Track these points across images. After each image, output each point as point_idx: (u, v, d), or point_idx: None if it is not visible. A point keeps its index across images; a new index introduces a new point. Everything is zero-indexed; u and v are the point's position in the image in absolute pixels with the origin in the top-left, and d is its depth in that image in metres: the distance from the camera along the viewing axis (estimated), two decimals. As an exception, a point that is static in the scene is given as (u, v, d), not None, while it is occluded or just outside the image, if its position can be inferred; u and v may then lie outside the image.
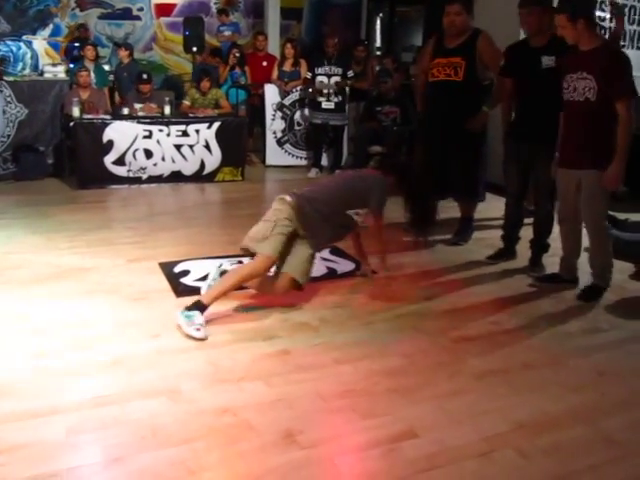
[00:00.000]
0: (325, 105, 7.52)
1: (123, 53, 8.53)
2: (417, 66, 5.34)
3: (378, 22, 13.01)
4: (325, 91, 7.41)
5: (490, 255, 4.55)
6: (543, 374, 2.99)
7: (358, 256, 4.19)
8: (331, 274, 4.18)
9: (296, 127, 8.04)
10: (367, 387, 2.81)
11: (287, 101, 7.96)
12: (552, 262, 4.28)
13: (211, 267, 3.81)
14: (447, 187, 4.96)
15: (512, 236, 4.53)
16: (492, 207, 5.63)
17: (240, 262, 3.96)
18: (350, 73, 7.53)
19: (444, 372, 2.97)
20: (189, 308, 3.25)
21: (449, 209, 5.38)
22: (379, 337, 3.31)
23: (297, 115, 8.02)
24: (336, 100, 7.48)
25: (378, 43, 12.92)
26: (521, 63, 4.19)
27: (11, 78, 7.81)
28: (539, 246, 4.37)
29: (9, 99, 6.87)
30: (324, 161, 7.90)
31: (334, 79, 7.41)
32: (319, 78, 7.48)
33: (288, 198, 3.55)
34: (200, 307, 3.25)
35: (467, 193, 5.00)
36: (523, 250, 4.53)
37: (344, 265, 4.33)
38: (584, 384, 2.92)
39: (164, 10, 11.36)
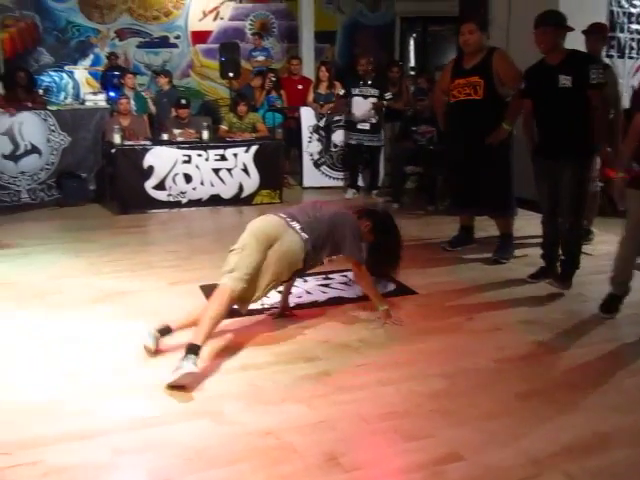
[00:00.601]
0: (360, 126, 7.56)
1: (163, 80, 8.72)
2: (436, 88, 5.44)
3: (411, 42, 13.07)
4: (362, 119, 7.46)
5: (532, 274, 4.49)
6: (589, 395, 2.92)
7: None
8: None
9: (332, 149, 8.09)
10: (409, 409, 2.78)
11: (323, 123, 8.02)
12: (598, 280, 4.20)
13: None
14: (479, 204, 4.97)
15: (552, 254, 4.46)
16: (532, 224, 5.56)
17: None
18: (388, 95, 7.55)
19: (487, 393, 2.92)
20: None
21: (488, 227, 5.34)
22: (420, 358, 3.28)
23: (333, 137, 8.08)
24: (371, 121, 7.51)
25: (412, 63, 12.97)
26: (538, 83, 4.23)
27: (54, 107, 8.06)
28: (568, 262, 4.31)
29: (53, 128, 7.07)
30: (360, 182, 7.92)
31: (370, 100, 7.44)
32: (355, 99, 7.52)
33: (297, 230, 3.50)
34: None
35: (499, 209, 4.98)
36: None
37: (383, 285, 4.31)
38: (632, 404, 2.84)
39: (200, 37, 11.61)
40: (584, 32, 5.28)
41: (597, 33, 5.32)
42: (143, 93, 8.77)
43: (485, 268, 4.81)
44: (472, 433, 2.59)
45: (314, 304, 4.01)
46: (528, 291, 4.31)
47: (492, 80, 4.68)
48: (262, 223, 3.56)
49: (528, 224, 5.52)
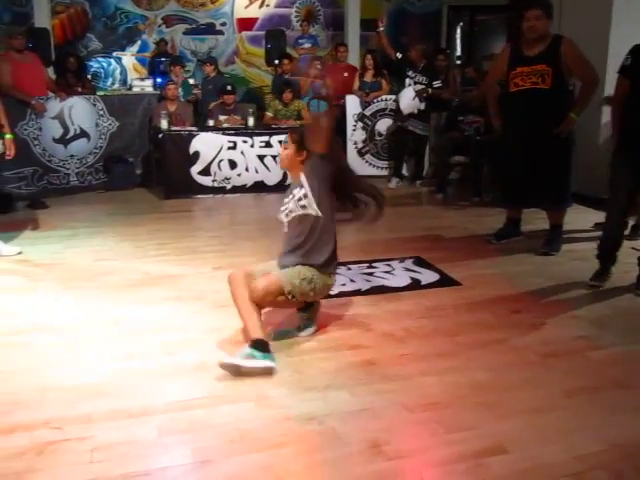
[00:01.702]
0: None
1: (209, 68, 8.75)
2: (488, 77, 5.19)
3: (458, 31, 12.90)
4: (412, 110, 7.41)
5: (592, 277, 4.20)
6: (637, 393, 2.85)
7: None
8: (415, 285, 4.15)
9: (377, 137, 8.04)
10: (453, 400, 2.76)
11: (368, 112, 7.98)
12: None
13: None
14: (536, 195, 4.84)
15: (612, 255, 4.16)
16: (581, 218, 5.46)
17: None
18: (437, 83, 7.45)
19: (532, 388, 2.88)
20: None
21: (536, 220, 5.26)
22: (464, 350, 3.25)
23: (378, 125, 8.01)
24: (419, 107, 7.44)
25: (458, 52, 12.81)
26: None
27: (102, 92, 8.19)
28: None
29: (101, 112, 7.18)
30: (405, 171, 7.86)
31: (417, 87, 7.37)
32: (400, 94, 7.47)
33: None
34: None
35: (558, 201, 4.85)
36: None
37: (428, 276, 4.30)
38: (683, 404, 2.78)
39: (246, 24, 11.62)
40: None
41: None
42: (190, 81, 8.84)
43: (531, 261, 4.74)
44: (517, 427, 2.56)
45: (357, 292, 4.01)
46: (575, 286, 4.22)
47: (560, 68, 4.51)
48: None
49: (578, 218, 5.41)
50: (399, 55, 7.60)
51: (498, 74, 4.93)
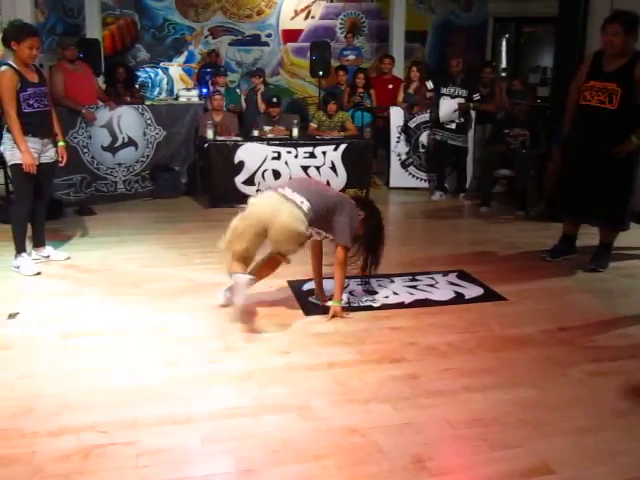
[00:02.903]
0: (447, 125, 7.46)
1: (257, 81, 8.84)
2: (573, 84, 4.91)
3: (504, 43, 12.81)
4: (450, 120, 7.38)
5: None
6: (691, 416, 2.78)
7: (316, 281, 4.09)
8: (459, 299, 4.11)
9: (420, 149, 7.99)
10: (497, 417, 2.73)
11: (412, 123, 7.95)
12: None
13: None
14: (594, 214, 4.73)
15: None
16: (629, 235, 5.32)
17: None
18: (476, 96, 7.40)
19: (580, 407, 2.83)
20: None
21: (583, 236, 5.15)
22: (509, 366, 3.20)
23: (422, 137, 7.98)
24: (458, 121, 7.40)
25: (504, 64, 12.71)
26: None
27: (149, 102, 8.34)
28: None
29: (149, 122, 7.30)
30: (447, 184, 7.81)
31: (458, 100, 7.33)
32: (442, 100, 7.43)
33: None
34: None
35: (612, 221, 4.74)
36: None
37: (472, 290, 4.25)
38: None
39: (291, 36, 11.76)
40: None
41: None
42: (237, 90, 8.94)
43: (578, 277, 4.65)
44: (563, 447, 2.51)
45: (400, 305, 3.99)
46: (623, 303, 4.15)
47: (632, 89, 4.37)
48: (255, 208, 3.84)
49: (626, 234, 5.28)
50: (429, 85, 7.60)
51: (580, 81, 4.73)
